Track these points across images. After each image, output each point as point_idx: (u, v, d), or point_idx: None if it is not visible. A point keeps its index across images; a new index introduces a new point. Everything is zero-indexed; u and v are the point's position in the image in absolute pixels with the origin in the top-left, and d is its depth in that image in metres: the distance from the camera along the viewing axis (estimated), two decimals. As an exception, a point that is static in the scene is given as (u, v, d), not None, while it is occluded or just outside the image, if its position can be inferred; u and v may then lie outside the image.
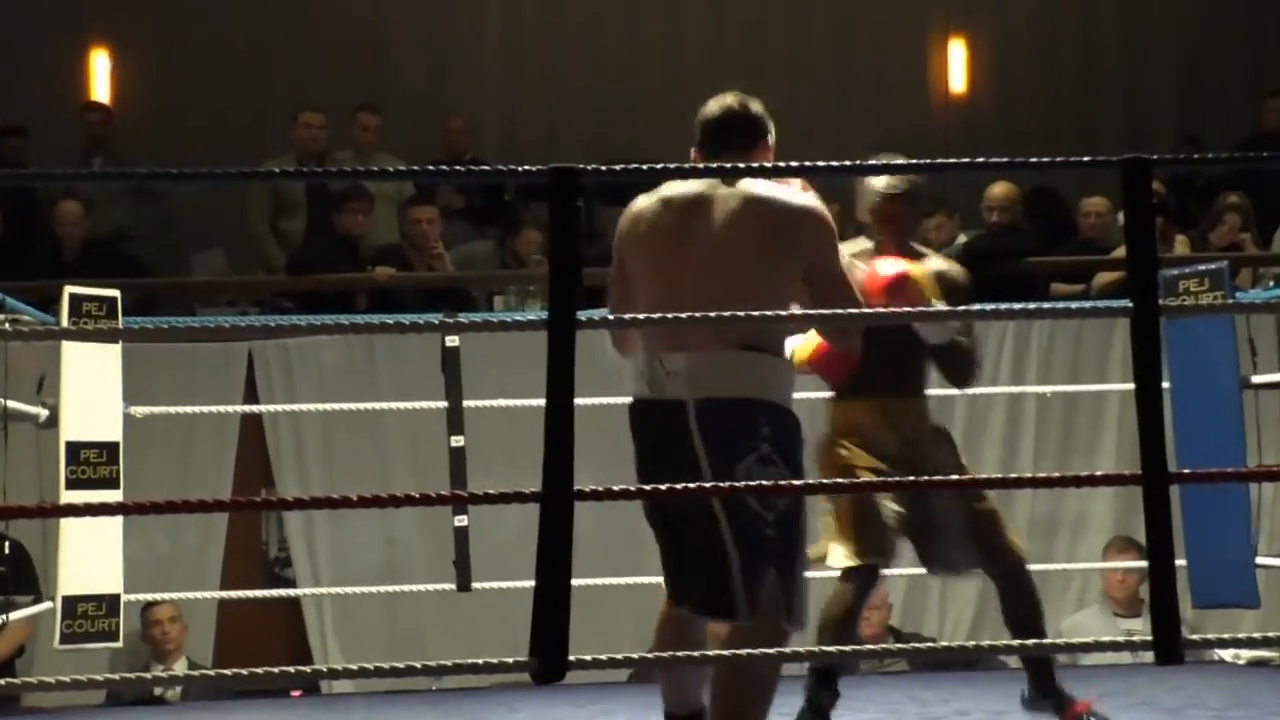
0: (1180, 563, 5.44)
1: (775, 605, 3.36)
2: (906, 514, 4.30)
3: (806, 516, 3.46)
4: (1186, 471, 4.56)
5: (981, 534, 4.35)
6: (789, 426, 3.42)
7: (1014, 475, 4.20)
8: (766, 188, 3.44)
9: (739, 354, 3.37)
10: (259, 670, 3.08)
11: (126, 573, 5.21)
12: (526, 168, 2.98)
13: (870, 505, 4.27)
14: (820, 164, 3.25)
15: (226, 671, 3.14)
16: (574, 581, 2.82)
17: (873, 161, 3.98)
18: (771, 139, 3.58)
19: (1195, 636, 5.66)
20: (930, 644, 6.18)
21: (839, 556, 4.33)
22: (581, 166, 2.89)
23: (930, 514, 4.31)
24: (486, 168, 3.48)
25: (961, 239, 7.73)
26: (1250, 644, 6.47)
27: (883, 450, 4.35)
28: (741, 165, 3.44)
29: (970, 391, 6.72)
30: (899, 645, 6.11)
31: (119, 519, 5.17)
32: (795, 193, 3.48)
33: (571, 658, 2.81)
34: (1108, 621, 6.57)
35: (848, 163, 3.39)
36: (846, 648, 4.18)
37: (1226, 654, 6.19)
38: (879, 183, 4.32)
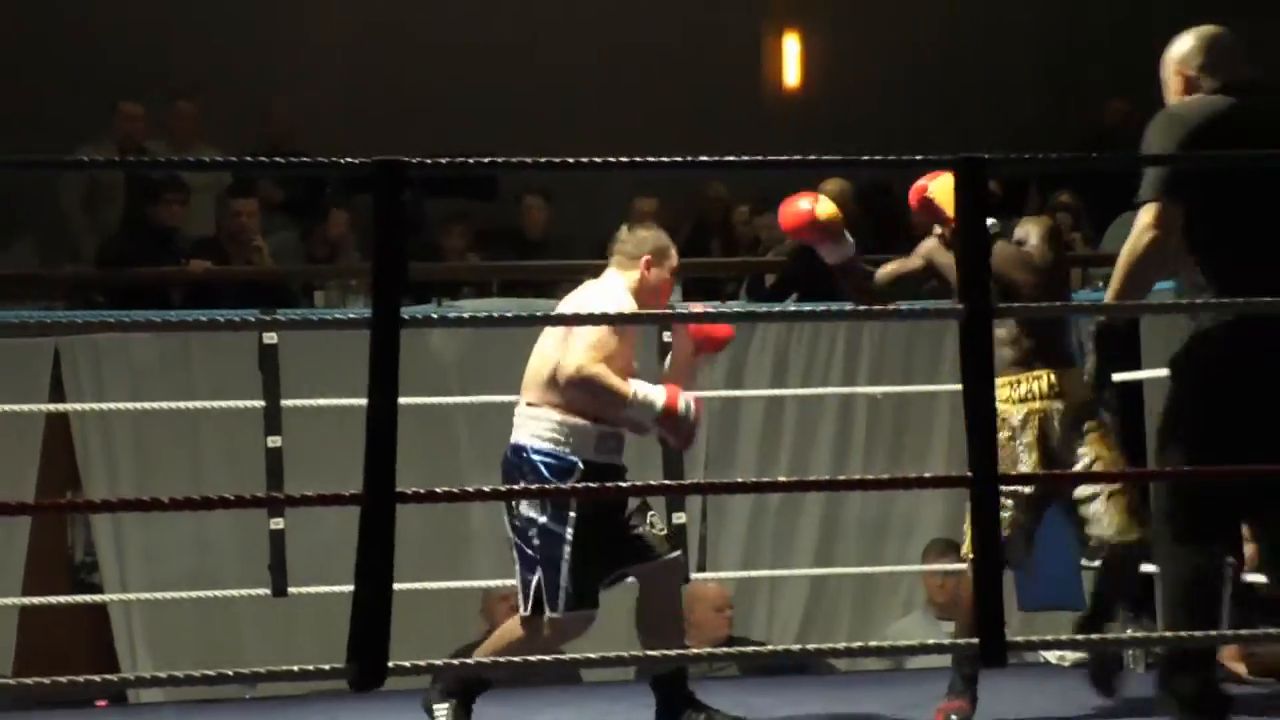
0: (1006, 566, 5.45)
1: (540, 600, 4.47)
2: None
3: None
4: (1014, 473, 4.55)
5: None
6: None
7: (844, 478, 4.15)
8: None
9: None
10: (62, 679, 2.93)
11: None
12: (349, 160, 2.86)
13: None
14: (651, 160, 3.18)
15: (28, 680, 2.98)
16: (396, 586, 2.74)
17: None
18: None
19: (1019, 639, 5.66)
20: (764, 648, 6.13)
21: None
22: (407, 159, 2.78)
23: None
24: (308, 159, 3.33)
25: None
26: (1074, 646, 6.50)
27: None
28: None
29: (801, 392, 6.73)
30: (736, 649, 6.06)
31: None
32: None
33: (391, 664, 2.71)
34: (931, 625, 6.56)
35: (679, 159, 3.30)
36: (673, 653, 4.24)
37: (1052, 656, 6.20)
38: None
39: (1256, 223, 3.92)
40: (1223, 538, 3.92)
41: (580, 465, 4.49)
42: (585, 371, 4.45)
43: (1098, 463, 4.60)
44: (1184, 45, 4.17)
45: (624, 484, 4.48)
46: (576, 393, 4.48)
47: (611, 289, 4.69)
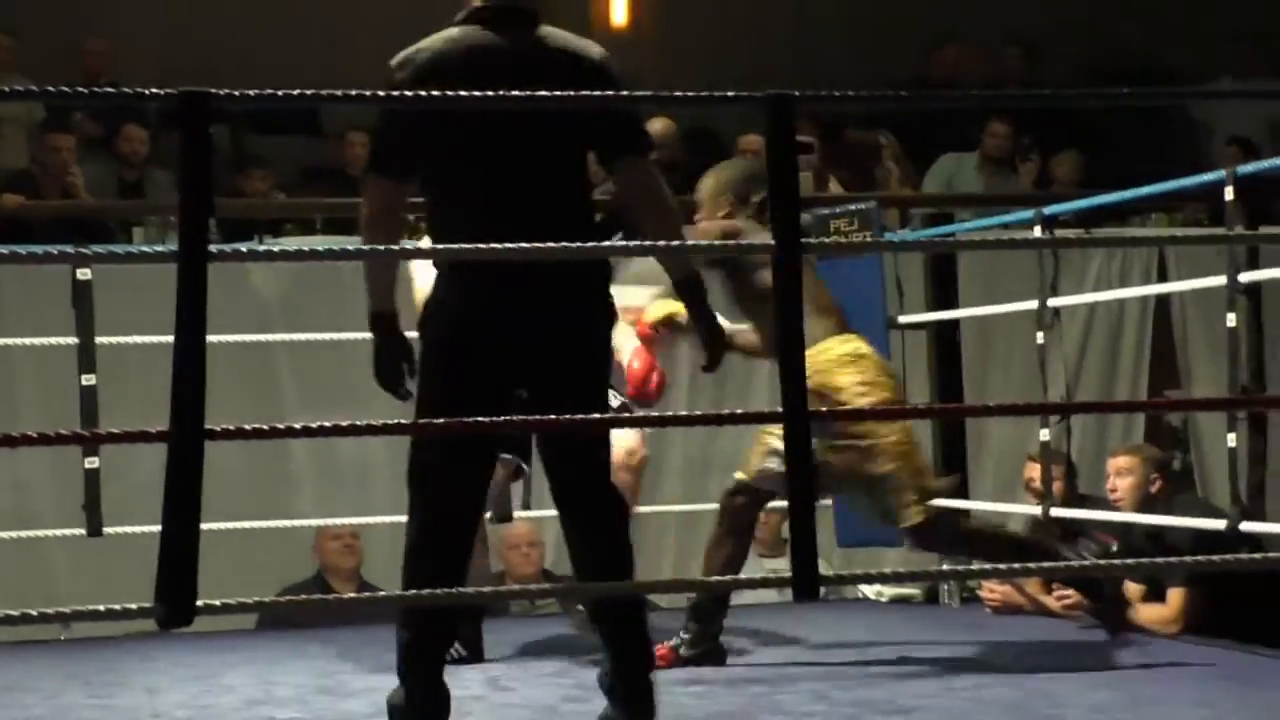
0: (826, 502, 5.52)
1: None
2: None
3: None
4: (825, 410, 4.59)
5: None
6: None
7: (668, 414, 4.18)
8: None
9: None
10: None
11: None
12: (155, 90, 2.78)
13: None
14: (467, 94, 3.14)
15: None
16: (209, 526, 2.69)
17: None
18: None
19: (832, 574, 5.75)
20: (580, 584, 6.16)
21: None
22: (214, 91, 2.71)
23: None
24: (113, 90, 3.26)
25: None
26: (889, 579, 6.62)
27: None
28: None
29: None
30: (552, 586, 6.07)
31: None
32: None
33: (200, 603, 2.66)
34: (753, 562, 6.59)
35: (498, 94, 3.28)
36: (499, 589, 4.22)
37: (870, 591, 6.31)
38: None
39: (481, 185, 3.48)
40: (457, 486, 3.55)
41: None
42: None
43: None
44: None
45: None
46: None
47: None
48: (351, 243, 6.34)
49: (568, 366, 3.49)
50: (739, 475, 4.83)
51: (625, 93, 3.63)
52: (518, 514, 5.19)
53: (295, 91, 2.90)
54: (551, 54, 3.54)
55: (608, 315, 3.58)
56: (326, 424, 3.00)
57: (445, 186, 3.55)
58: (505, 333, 3.44)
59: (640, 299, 4.84)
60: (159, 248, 3.30)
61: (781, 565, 6.55)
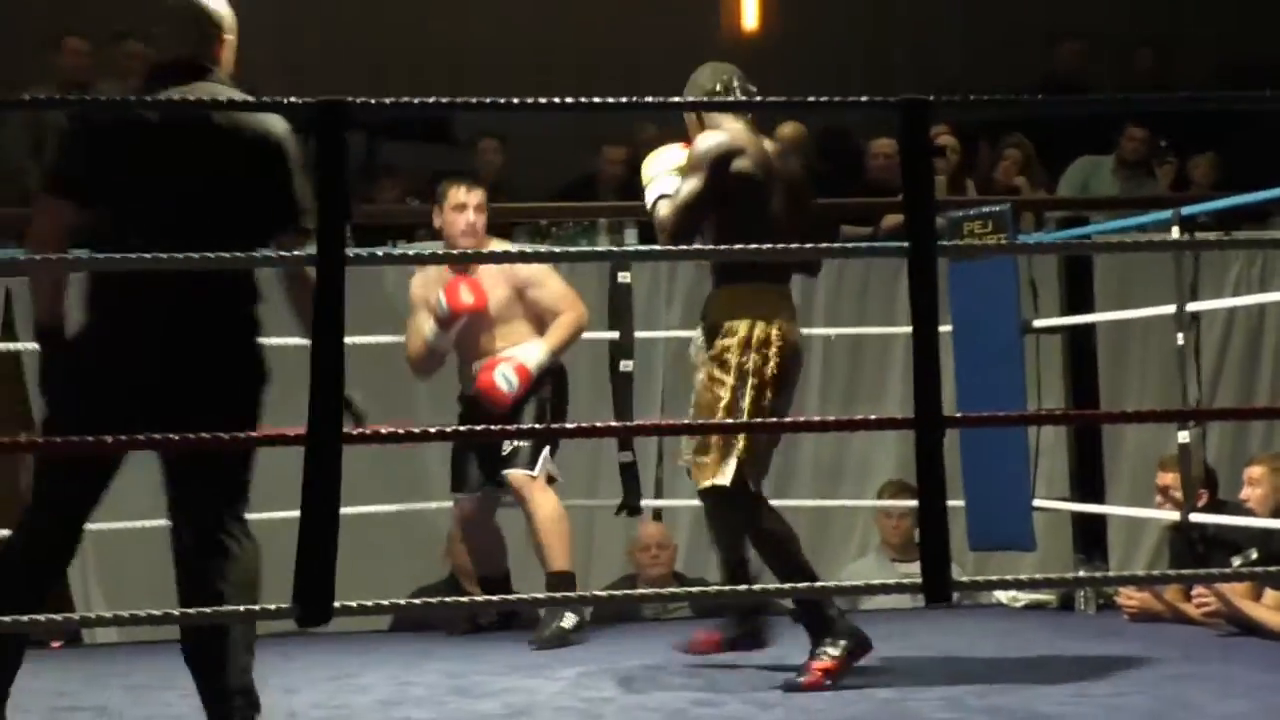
0: (958, 504, 5.48)
1: None
2: None
3: None
4: (959, 415, 4.55)
5: None
6: None
7: (801, 419, 4.15)
8: None
9: None
10: (11, 619, 2.91)
11: None
12: (295, 100, 2.83)
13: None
14: (600, 100, 3.15)
15: None
16: (347, 512, 2.71)
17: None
18: None
19: (966, 578, 5.70)
20: (713, 588, 6.16)
21: None
22: (351, 99, 2.75)
23: None
24: (252, 99, 3.31)
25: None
26: (1024, 585, 6.54)
27: None
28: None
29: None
30: (683, 590, 6.06)
31: None
32: None
33: (338, 604, 2.69)
34: (885, 567, 6.57)
35: (633, 100, 3.28)
36: (634, 592, 4.27)
37: (1004, 596, 6.24)
38: None
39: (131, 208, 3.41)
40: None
41: None
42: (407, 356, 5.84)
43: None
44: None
45: (572, 425, 4.52)
46: None
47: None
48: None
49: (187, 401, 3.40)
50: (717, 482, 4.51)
51: (760, 99, 3.61)
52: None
53: (430, 100, 2.92)
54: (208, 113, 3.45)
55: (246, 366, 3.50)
56: (460, 429, 3.03)
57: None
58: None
59: None
60: (296, 252, 3.33)
61: (913, 569, 6.47)
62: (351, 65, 9.16)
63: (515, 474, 5.48)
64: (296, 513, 2.64)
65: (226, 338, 3.49)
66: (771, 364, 4.44)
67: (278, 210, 3.47)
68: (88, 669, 5.20)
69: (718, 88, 4.58)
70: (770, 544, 4.51)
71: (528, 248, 6.30)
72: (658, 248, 4.48)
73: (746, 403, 4.40)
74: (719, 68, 4.62)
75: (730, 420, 4.38)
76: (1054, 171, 8.25)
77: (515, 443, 5.45)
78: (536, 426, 5.54)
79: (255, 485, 3.47)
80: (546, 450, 5.50)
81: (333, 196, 2.72)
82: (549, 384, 5.60)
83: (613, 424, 5.90)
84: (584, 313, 5.68)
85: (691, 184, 4.45)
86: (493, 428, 5.07)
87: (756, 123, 4.60)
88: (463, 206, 5.61)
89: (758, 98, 4.59)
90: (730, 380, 4.43)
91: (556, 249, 5.30)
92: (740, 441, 4.42)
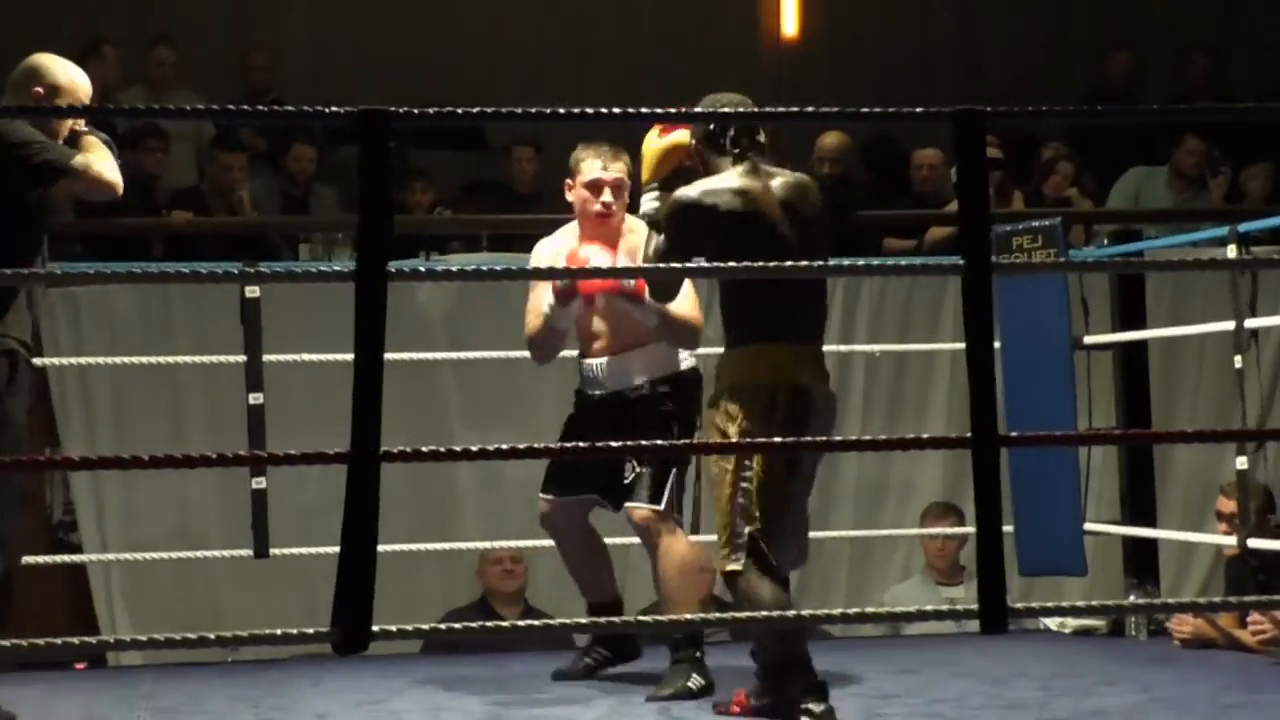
0: (1007, 529, 5.34)
1: None
2: None
3: None
4: (1016, 435, 4.43)
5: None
6: None
7: (839, 438, 4.03)
8: None
9: None
10: (40, 641, 2.84)
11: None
12: (334, 109, 2.75)
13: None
14: (634, 111, 3.07)
15: (5, 643, 2.89)
16: (380, 548, 2.67)
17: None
18: None
19: (1020, 605, 5.58)
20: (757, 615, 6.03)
21: None
22: (393, 109, 2.68)
23: None
24: (292, 109, 3.22)
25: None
26: (1076, 612, 6.41)
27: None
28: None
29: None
30: (729, 615, 5.92)
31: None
32: None
33: (376, 628, 2.64)
34: (929, 590, 6.44)
35: (670, 110, 3.19)
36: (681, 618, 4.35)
37: (1052, 623, 6.09)
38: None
39: None
40: None
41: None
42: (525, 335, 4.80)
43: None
44: None
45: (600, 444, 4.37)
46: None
47: (566, 227, 4.86)
48: (519, 260, 6.31)
49: None
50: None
51: (810, 109, 3.52)
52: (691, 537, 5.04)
53: (474, 109, 2.86)
54: None
55: None
56: (500, 446, 2.91)
57: None
58: None
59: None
60: (336, 266, 3.22)
61: (958, 594, 6.37)
62: (384, 65, 9.08)
63: (639, 510, 4.65)
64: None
65: None
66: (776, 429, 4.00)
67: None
68: (114, 691, 5.12)
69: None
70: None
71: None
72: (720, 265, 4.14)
73: (753, 485, 4.03)
74: (730, 99, 4.30)
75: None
76: (1104, 182, 8.11)
77: (637, 468, 4.63)
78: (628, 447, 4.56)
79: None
80: (673, 475, 4.66)
81: (375, 208, 2.63)
82: (670, 392, 4.73)
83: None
84: (702, 322, 4.78)
85: (656, 243, 4.16)
86: (558, 445, 4.56)
87: (770, 157, 4.16)
88: (598, 185, 4.67)
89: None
90: (730, 465, 4.07)
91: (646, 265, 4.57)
92: (751, 521, 4.05)
